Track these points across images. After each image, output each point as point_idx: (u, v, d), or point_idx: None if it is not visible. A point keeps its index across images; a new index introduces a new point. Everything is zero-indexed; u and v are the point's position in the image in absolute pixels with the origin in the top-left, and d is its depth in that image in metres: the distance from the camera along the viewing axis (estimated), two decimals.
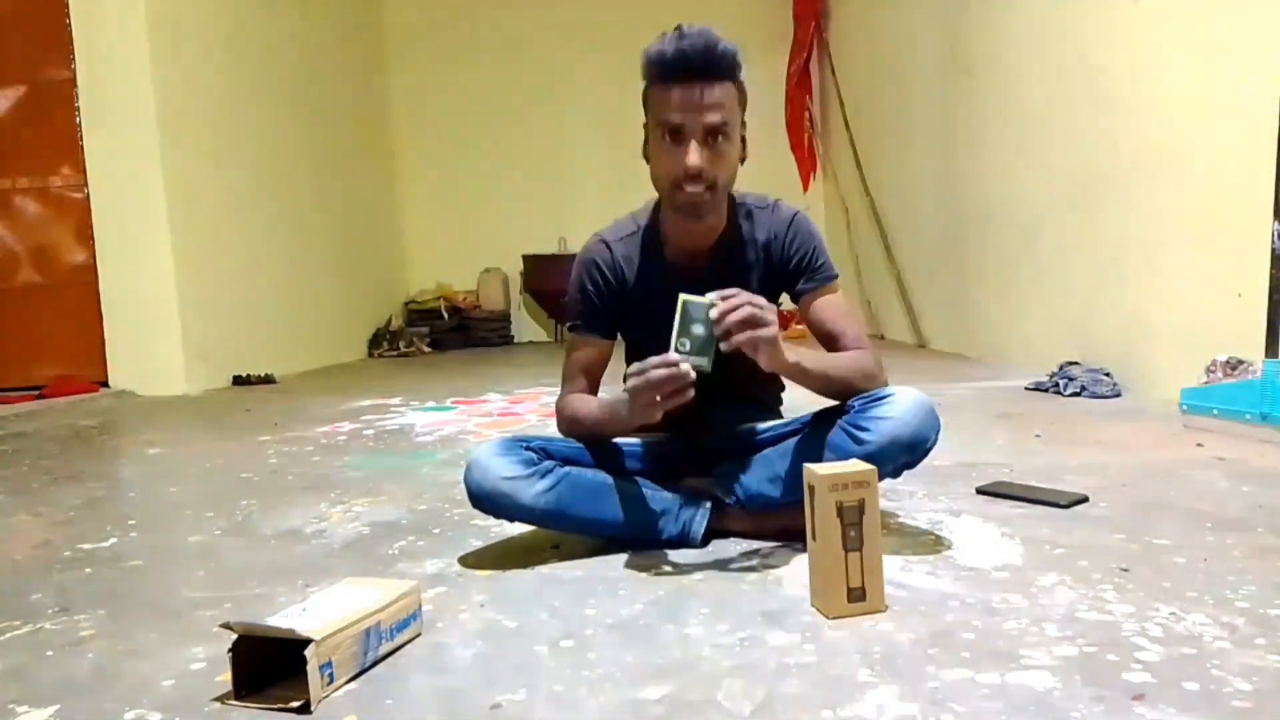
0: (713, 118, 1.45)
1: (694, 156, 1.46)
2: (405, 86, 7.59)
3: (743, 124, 1.53)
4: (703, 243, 1.62)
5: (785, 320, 1.49)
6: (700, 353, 1.33)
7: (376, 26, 7.48)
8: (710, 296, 1.34)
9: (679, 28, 1.46)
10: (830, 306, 1.62)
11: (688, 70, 1.44)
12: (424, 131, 7.61)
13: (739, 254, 1.64)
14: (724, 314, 1.32)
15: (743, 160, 1.55)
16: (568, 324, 1.70)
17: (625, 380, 1.44)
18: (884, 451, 1.43)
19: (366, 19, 7.28)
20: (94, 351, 4.53)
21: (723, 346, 1.33)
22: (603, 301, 1.65)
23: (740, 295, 1.34)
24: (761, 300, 1.35)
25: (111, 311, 4.53)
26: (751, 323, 1.32)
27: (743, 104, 1.52)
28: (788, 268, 1.63)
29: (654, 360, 1.35)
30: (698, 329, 1.32)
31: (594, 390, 1.68)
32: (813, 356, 1.48)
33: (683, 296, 1.32)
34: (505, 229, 7.56)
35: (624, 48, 7.94)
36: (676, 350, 1.33)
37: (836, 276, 1.65)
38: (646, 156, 1.56)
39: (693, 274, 1.62)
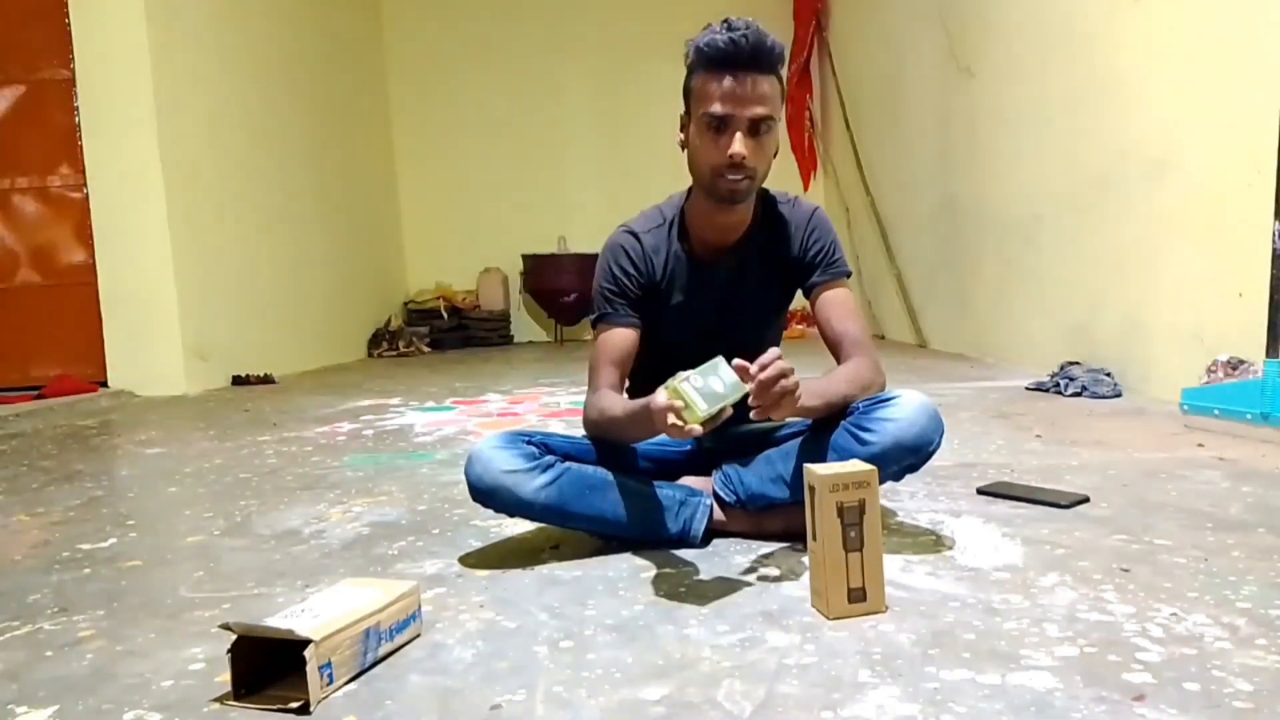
0: (759, 110, 1.47)
1: (739, 145, 1.47)
2: (405, 86, 7.59)
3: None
4: (730, 235, 1.64)
5: (788, 320, 1.48)
6: (708, 405, 1.22)
7: (376, 26, 7.48)
8: (752, 374, 1.26)
9: (728, 21, 1.47)
10: (838, 303, 1.64)
11: (737, 61, 1.45)
12: (423, 130, 7.61)
13: (762, 248, 1.66)
14: (765, 384, 1.26)
15: (774, 153, 1.57)
16: (593, 316, 1.68)
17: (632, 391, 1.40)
18: (887, 453, 1.43)
19: (366, 18, 7.28)
20: (93, 351, 4.53)
21: (752, 414, 1.29)
22: (632, 288, 1.64)
23: (777, 365, 1.27)
24: (789, 366, 1.30)
25: (110, 311, 4.52)
26: (785, 395, 1.29)
27: (783, 98, 1.54)
28: (804, 260, 1.66)
29: (662, 409, 1.25)
30: (716, 385, 1.23)
31: (622, 380, 1.65)
32: (812, 391, 1.45)
33: (720, 359, 1.26)
34: (505, 228, 7.56)
35: (623, 46, 8.02)
36: (687, 383, 1.23)
37: (849, 274, 1.68)
38: (683, 145, 1.58)
39: (718, 266, 1.65)
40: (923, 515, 1.77)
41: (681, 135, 1.59)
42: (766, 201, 1.67)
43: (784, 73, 1.53)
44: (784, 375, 1.28)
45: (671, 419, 1.23)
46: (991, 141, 4.49)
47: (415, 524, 1.87)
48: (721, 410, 1.23)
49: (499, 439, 1.55)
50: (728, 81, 1.46)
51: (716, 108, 1.47)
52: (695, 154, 1.55)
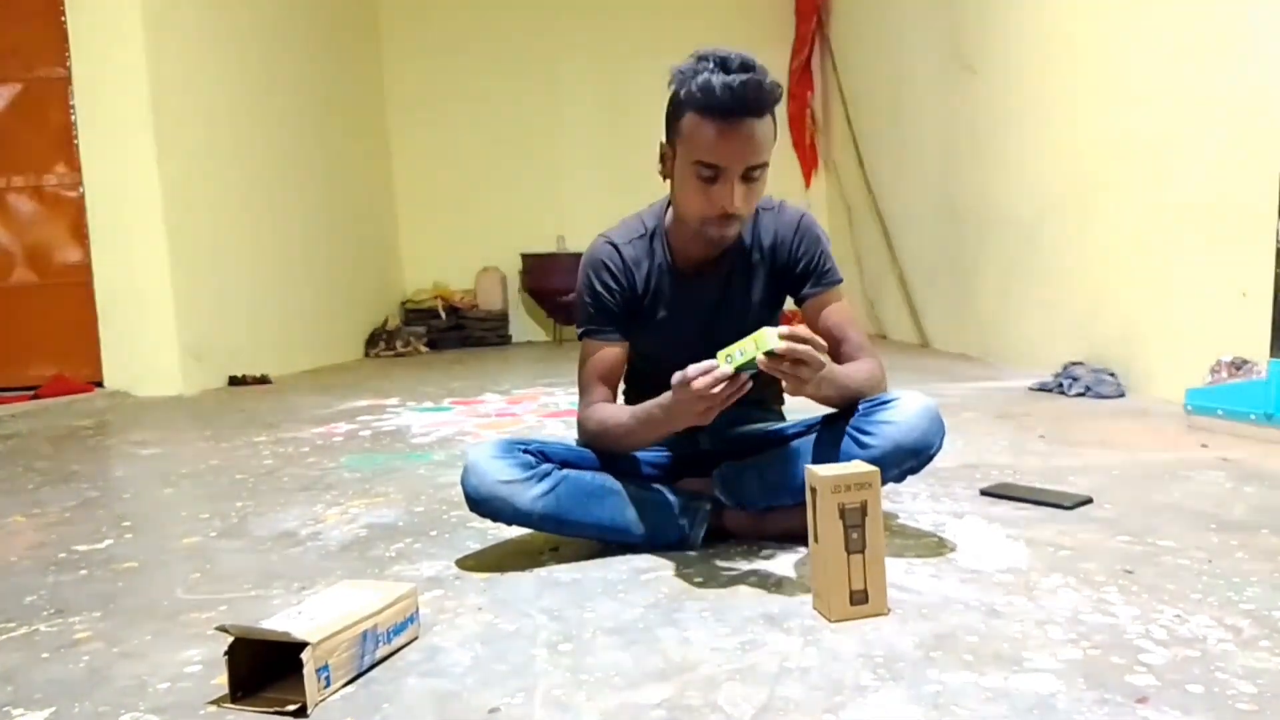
0: (753, 160, 1.42)
1: (736, 200, 1.43)
2: (401, 84, 7.59)
3: None
4: (714, 250, 1.60)
5: (787, 320, 1.47)
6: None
7: (372, 24, 7.47)
8: (781, 331, 1.29)
9: (724, 59, 1.38)
10: (835, 312, 1.61)
11: (733, 111, 1.38)
12: (420, 129, 7.61)
13: (747, 259, 1.63)
14: (790, 350, 1.27)
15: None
16: (579, 330, 1.66)
17: (625, 393, 1.40)
18: (888, 456, 1.42)
19: (362, 17, 7.27)
20: (89, 351, 4.51)
21: (764, 368, 1.28)
22: (615, 303, 1.61)
23: (807, 341, 1.29)
24: (820, 345, 1.31)
25: (106, 311, 4.51)
26: (805, 365, 1.29)
27: (775, 132, 1.47)
28: (794, 271, 1.63)
29: (698, 369, 1.31)
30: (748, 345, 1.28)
31: (614, 395, 1.65)
32: (834, 381, 1.44)
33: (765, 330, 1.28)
34: (503, 227, 7.56)
35: (622, 43, 7.99)
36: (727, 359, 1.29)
37: (841, 281, 1.65)
38: (665, 175, 1.53)
39: (703, 279, 1.62)
40: (925, 517, 1.76)
41: (663, 166, 1.53)
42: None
43: (777, 109, 1.46)
44: (810, 354, 1.29)
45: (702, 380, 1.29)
46: (994, 140, 4.48)
47: (413, 525, 1.87)
48: (750, 361, 1.27)
49: (495, 448, 1.54)
50: (723, 131, 1.38)
51: (710, 158, 1.41)
52: (682, 198, 1.50)
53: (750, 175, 1.44)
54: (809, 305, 1.63)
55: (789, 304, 1.70)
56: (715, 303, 1.64)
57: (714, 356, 1.32)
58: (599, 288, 1.61)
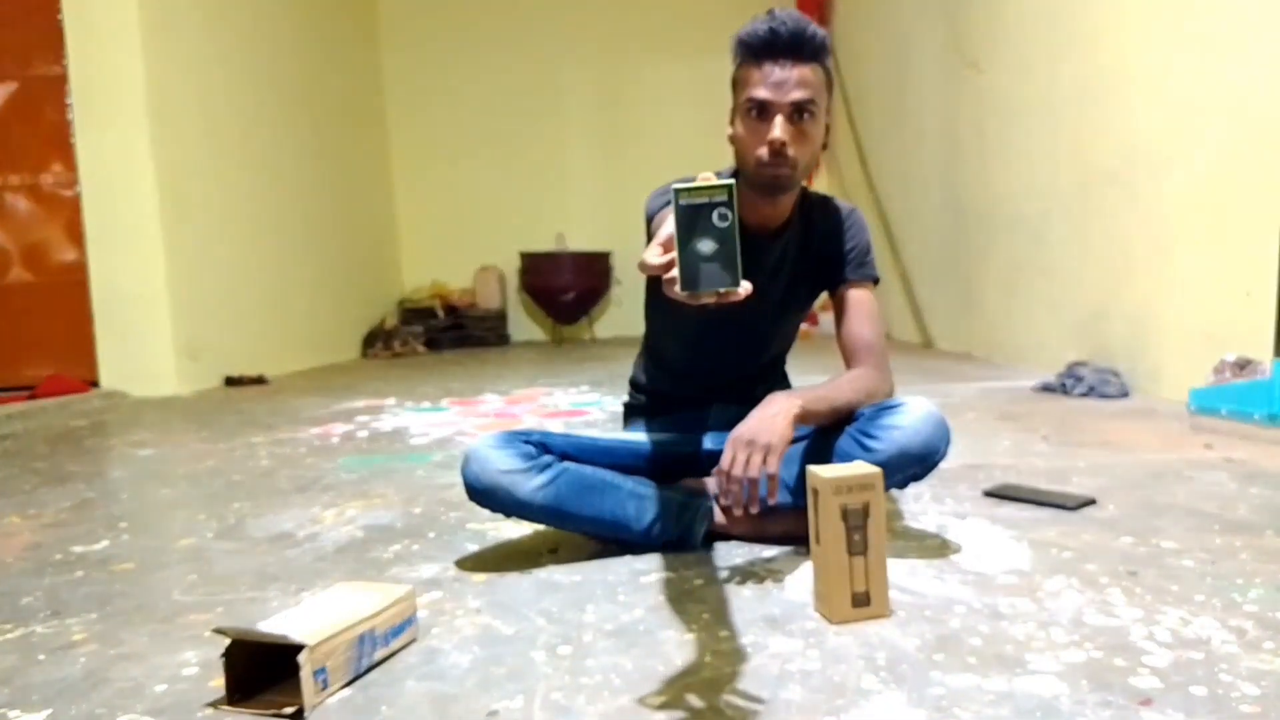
0: (798, 94, 1.46)
1: (779, 130, 1.47)
2: (400, 82, 7.58)
3: (827, 110, 1.54)
4: (772, 220, 1.62)
5: (812, 321, 1.46)
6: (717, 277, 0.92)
7: (371, 22, 7.47)
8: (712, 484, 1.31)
9: (770, 11, 1.48)
10: (860, 304, 1.63)
11: (777, 49, 1.46)
12: (419, 127, 7.60)
13: (799, 239, 1.66)
14: (733, 487, 1.31)
15: (824, 146, 1.56)
16: (649, 214, 1.58)
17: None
18: (893, 461, 1.42)
19: (361, 16, 7.26)
20: (85, 351, 4.50)
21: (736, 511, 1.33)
22: None
23: (738, 472, 1.32)
24: (752, 445, 1.33)
25: (102, 311, 4.50)
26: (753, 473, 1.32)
27: (829, 89, 1.53)
28: (835, 257, 1.66)
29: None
30: (704, 245, 0.91)
31: None
32: (814, 409, 1.45)
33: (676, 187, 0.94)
34: (501, 226, 7.55)
35: (621, 42, 7.97)
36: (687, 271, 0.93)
37: (877, 279, 1.68)
38: (732, 139, 1.57)
39: (760, 246, 1.62)
40: (928, 518, 1.75)
41: (730, 129, 1.58)
42: (805, 197, 1.67)
43: (829, 63, 1.52)
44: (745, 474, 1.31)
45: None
46: (998, 138, 4.48)
47: (411, 527, 1.86)
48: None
49: (496, 438, 1.54)
50: (767, 68, 1.47)
51: (756, 93, 1.48)
52: (739, 143, 1.55)
53: (799, 114, 1.47)
54: (839, 290, 1.65)
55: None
56: (762, 269, 1.63)
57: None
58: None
